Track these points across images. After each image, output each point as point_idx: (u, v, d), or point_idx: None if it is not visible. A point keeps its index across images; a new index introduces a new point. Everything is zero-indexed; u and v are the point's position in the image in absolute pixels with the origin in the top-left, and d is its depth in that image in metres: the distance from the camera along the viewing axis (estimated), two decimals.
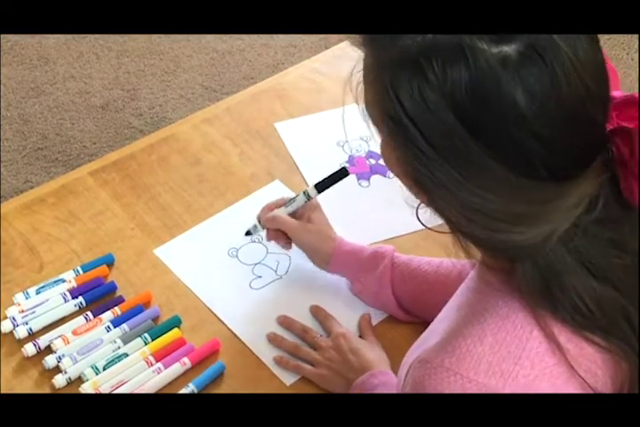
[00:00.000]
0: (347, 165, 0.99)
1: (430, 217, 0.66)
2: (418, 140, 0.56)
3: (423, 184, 0.59)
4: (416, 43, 0.55)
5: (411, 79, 0.55)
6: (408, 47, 0.56)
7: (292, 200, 1.01)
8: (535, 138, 0.54)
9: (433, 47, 0.55)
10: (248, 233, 1.07)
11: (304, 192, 1.00)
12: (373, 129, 0.63)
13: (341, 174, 0.99)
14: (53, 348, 0.94)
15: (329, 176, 1.00)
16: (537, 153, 0.55)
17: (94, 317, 0.98)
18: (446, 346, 0.62)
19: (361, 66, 0.62)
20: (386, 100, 0.57)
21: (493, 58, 0.53)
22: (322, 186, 0.99)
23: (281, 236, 1.01)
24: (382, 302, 0.99)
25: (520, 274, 0.61)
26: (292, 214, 1.02)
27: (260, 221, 1.04)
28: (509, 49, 0.53)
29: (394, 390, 0.90)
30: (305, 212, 1.01)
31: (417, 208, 0.67)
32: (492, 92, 0.53)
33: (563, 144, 0.56)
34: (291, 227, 0.99)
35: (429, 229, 0.68)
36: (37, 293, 1.00)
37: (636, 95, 0.59)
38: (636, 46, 2.50)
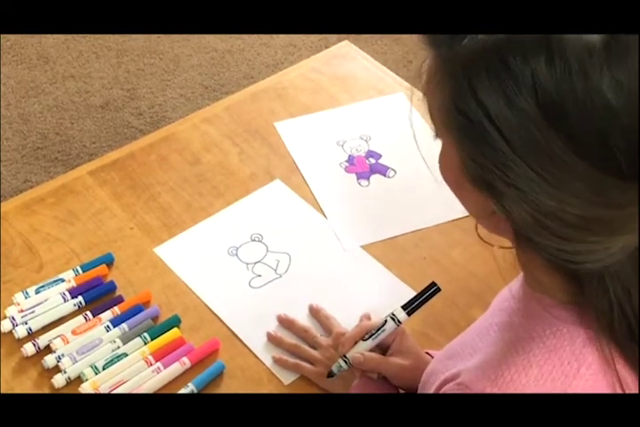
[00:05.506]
0: (436, 282, 0.87)
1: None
2: (492, 135, 0.52)
3: (493, 187, 0.54)
4: (493, 35, 0.53)
5: (489, 71, 0.52)
6: (484, 41, 0.53)
7: (379, 330, 0.88)
8: (621, 130, 0.51)
9: (513, 39, 0.52)
10: (330, 375, 0.90)
11: (392, 318, 0.87)
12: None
13: (433, 291, 0.87)
14: (53, 347, 0.94)
15: (418, 294, 0.88)
16: (622, 147, 0.51)
17: (94, 316, 0.98)
18: (488, 372, 0.60)
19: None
20: (458, 95, 0.54)
21: (579, 46, 0.51)
22: (412, 309, 0.87)
23: (372, 371, 0.90)
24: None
25: (588, 296, 0.57)
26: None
27: (344, 360, 0.88)
28: (593, 38, 0.51)
29: (392, 390, 0.90)
30: (392, 338, 0.91)
31: (476, 224, 0.63)
32: (578, 82, 0.50)
33: None
34: (388, 371, 0.89)
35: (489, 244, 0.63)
36: (37, 292, 1.00)
37: None
38: None
